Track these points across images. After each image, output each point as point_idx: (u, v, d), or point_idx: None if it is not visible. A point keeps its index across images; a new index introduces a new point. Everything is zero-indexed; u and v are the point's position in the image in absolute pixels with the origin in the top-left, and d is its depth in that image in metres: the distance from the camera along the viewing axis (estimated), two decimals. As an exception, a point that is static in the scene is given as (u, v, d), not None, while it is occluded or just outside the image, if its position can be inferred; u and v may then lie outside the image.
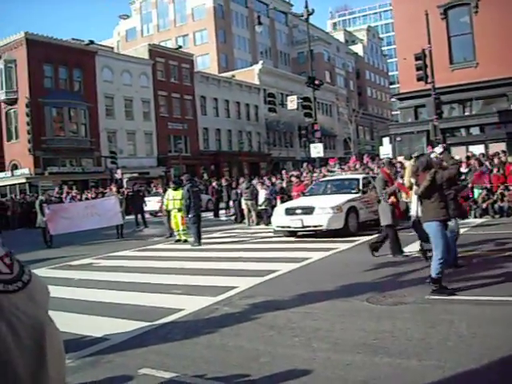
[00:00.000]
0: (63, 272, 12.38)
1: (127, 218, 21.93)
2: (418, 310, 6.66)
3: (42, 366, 1.36)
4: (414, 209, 7.75)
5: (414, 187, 7.86)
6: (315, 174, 23.52)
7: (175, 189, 17.58)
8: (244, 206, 22.03)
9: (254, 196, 21.52)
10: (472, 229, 15.02)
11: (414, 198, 7.83)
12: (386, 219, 11.09)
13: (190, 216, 15.99)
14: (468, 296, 7.07)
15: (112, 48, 65.43)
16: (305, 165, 29.27)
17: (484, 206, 17.62)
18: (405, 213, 15.66)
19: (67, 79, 45.27)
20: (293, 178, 22.95)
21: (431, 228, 7.49)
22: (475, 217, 17.61)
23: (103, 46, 59.15)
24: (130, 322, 6.98)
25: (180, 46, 62.70)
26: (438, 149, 8.02)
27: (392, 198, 11.07)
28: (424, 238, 9.03)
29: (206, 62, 71.14)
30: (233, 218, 24.53)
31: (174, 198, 17.31)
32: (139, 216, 24.40)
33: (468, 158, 20.86)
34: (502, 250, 10.13)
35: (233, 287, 8.79)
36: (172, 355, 5.61)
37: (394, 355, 5.04)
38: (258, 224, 21.35)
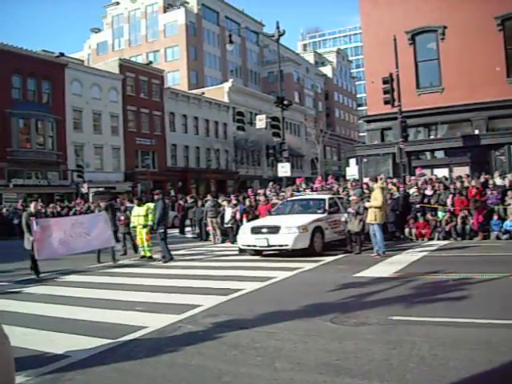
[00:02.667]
0: (26, 286, 12.17)
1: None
2: (380, 330, 6.70)
3: None
4: None
5: None
6: (282, 194, 23.55)
7: (139, 205, 17.46)
8: (209, 224, 21.99)
9: (220, 214, 21.53)
10: (435, 251, 15.25)
11: None
12: None
13: (160, 231, 15.90)
14: (430, 317, 7.13)
15: (82, 61, 65.14)
16: (270, 184, 29.17)
17: (447, 228, 17.94)
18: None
19: (35, 91, 44.82)
20: (260, 197, 22.93)
21: None
22: (438, 239, 17.92)
23: (73, 58, 58.77)
24: (92, 339, 6.87)
25: (151, 62, 62.66)
26: None
27: None
28: None
29: (177, 78, 71.24)
30: (197, 236, 24.41)
31: (138, 214, 17.17)
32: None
33: (429, 180, 21.18)
34: (465, 272, 10.27)
35: (197, 305, 8.73)
36: (134, 373, 5.54)
37: (356, 376, 5.06)
38: (223, 242, 21.31)
